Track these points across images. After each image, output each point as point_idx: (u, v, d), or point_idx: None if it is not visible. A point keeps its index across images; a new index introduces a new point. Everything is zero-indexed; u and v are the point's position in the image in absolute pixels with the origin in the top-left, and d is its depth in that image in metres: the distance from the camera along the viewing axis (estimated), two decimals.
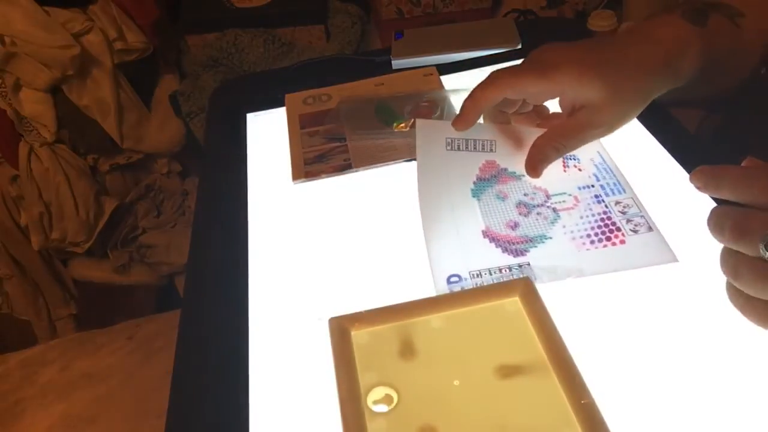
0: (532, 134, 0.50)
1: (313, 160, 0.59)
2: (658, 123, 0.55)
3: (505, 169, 0.52)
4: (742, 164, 0.34)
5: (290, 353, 0.42)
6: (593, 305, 0.42)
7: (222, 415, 0.40)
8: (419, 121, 0.53)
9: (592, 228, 0.47)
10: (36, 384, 0.94)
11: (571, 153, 0.52)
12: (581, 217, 0.48)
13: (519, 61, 0.50)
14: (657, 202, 0.48)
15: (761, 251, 0.30)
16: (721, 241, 0.33)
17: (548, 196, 0.50)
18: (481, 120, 0.51)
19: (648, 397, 0.36)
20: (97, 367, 0.96)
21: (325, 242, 0.50)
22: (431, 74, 0.69)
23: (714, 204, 0.34)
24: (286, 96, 0.69)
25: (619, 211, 0.48)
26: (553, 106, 0.52)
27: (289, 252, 0.50)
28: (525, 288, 0.41)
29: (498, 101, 0.48)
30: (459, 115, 0.49)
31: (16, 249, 1.30)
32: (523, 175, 0.51)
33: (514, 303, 0.41)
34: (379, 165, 0.57)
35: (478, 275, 0.44)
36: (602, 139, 0.53)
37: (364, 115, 0.63)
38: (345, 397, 0.36)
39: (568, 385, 0.35)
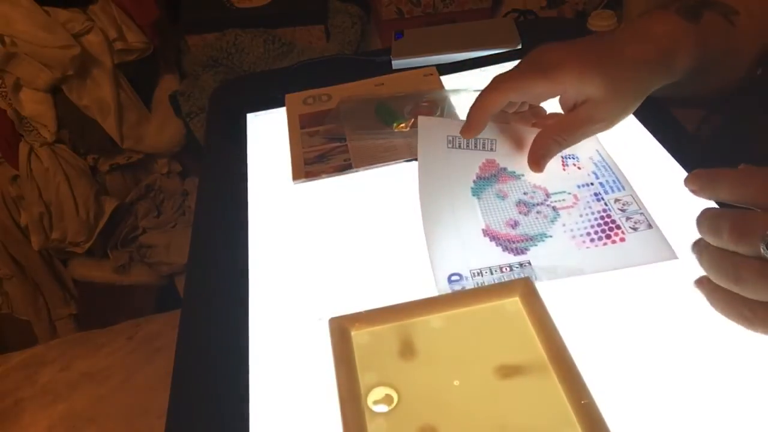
0: (532, 134, 0.50)
1: (314, 160, 0.59)
2: (658, 123, 0.55)
3: (505, 169, 0.52)
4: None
5: (290, 353, 0.42)
6: (593, 305, 0.42)
7: (222, 415, 0.40)
8: (421, 118, 0.53)
9: (592, 226, 0.47)
10: (36, 384, 0.94)
11: (571, 152, 0.53)
12: (581, 216, 0.48)
13: (519, 62, 0.50)
14: (656, 200, 0.48)
15: (762, 250, 0.30)
16: (718, 244, 0.33)
17: (548, 195, 0.50)
18: None
19: (648, 397, 0.36)
20: (97, 367, 0.96)
21: (325, 242, 0.50)
22: (431, 74, 0.69)
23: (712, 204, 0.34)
24: (286, 96, 0.69)
25: (619, 209, 0.48)
26: (549, 106, 0.52)
27: (289, 252, 0.50)
28: (525, 288, 0.41)
29: (504, 105, 0.49)
30: (466, 122, 0.49)
31: (16, 249, 1.30)
32: (523, 175, 0.52)
33: (514, 303, 0.41)
34: (379, 165, 0.57)
35: (479, 274, 0.44)
36: (602, 139, 0.54)
37: (364, 115, 0.63)
38: (345, 397, 0.36)
39: (568, 385, 0.35)
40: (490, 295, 0.41)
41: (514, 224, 0.48)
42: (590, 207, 0.48)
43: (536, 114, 0.53)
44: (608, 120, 0.49)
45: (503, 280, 0.44)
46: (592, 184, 0.50)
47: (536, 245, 0.46)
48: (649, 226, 0.46)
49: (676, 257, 0.43)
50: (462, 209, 0.49)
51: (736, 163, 0.34)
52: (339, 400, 0.36)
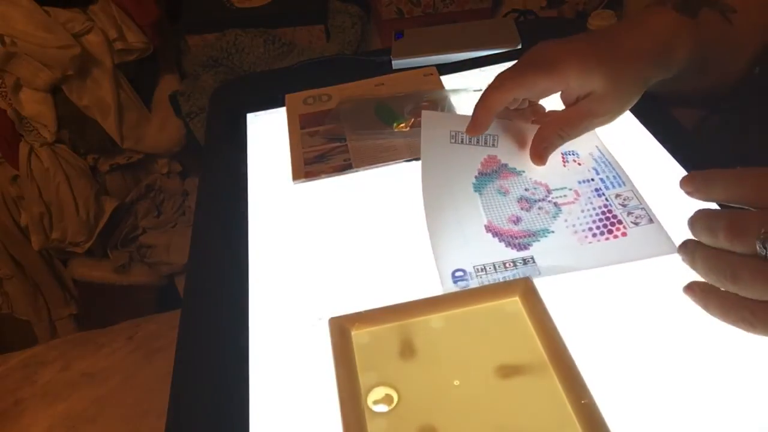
0: (532, 131, 0.51)
1: (314, 160, 0.59)
2: (658, 123, 0.55)
3: (506, 165, 0.52)
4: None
5: (290, 353, 0.42)
6: (593, 304, 0.42)
7: (222, 415, 0.40)
8: (425, 112, 0.54)
9: (594, 221, 0.47)
10: (36, 384, 0.94)
11: (570, 148, 0.53)
12: (582, 211, 0.48)
13: (518, 59, 0.50)
14: (656, 197, 0.48)
15: (758, 248, 0.30)
16: (713, 244, 0.33)
17: (549, 191, 0.50)
18: None
19: (648, 397, 0.36)
20: (97, 367, 0.96)
21: (325, 242, 0.50)
22: (431, 74, 0.69)
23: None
24: (286, 96, 0.69)
25: (620, 204, 0.48)
26: (549, 102, 0.52)
27: (289, 252, 0.50)
28: (525, 288, 0.41)
29: (508, 102, 0.49)
30: (472, 120, 0.49)
31: (16, 249, 1.30)
32: (524, 171, 0.52)
33: (514, 303, 0.41)
34: (379, 165, 0.57)
35: (482, 269, 0.44)
36: (602, 138, 0.54)
37: (364, 115, 0.63)
38: (345, 397, 0.36)
39: (568, 385, 0.35)
40: (490, 295, 0.41)
41: (516, 220, 0.48)
42: (591, 202, 0.49)
43: (535, 111, 0.54)
44: (610, 113, 0.49)
45: (507, 276, 0.44)
46: (592, 179, 0.51)
47: (539, 241, 0.46)
48: (651, 220, 0.46)
49: (677, 251, 0.43)
50: (464, 205, 0.49)
51: (735, 162, 0.34)
52: (339, 400, 0.36)
